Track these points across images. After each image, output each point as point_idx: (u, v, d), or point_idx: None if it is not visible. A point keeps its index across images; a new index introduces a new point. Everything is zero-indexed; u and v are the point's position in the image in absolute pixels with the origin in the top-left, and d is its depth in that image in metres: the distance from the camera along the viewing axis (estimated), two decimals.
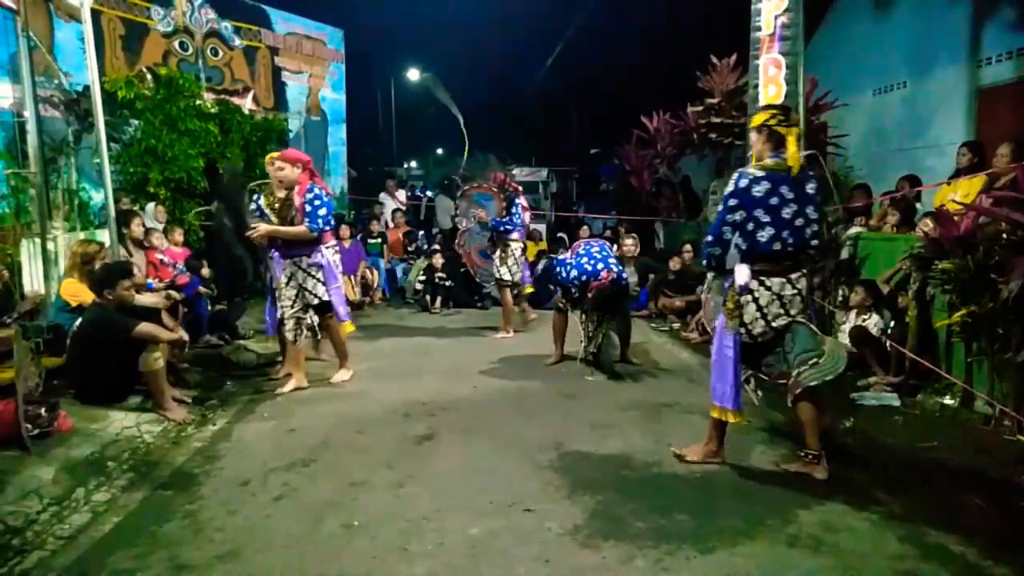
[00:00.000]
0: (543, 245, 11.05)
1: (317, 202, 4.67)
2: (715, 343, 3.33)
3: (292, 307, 4.82)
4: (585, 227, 11.05)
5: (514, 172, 18.27)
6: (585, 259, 5.27)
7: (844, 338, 5.31)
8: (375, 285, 9.24)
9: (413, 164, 27.57)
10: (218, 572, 2.54)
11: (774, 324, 3.22)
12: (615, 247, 6.67)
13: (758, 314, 3.20)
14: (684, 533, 2.77)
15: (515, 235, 6.73)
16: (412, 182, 22.59)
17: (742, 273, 3.12)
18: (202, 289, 6.42)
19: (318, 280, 4.80)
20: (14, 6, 4.63)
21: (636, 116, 10.27)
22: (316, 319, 4.97)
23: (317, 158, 11.26)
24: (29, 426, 3.41)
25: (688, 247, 8.26)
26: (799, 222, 3.14)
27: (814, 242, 3.22)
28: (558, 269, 5.53)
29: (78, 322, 4.17)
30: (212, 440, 3.94)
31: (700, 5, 13.21)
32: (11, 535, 2.76)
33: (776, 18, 5.82)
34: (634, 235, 8.56)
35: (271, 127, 8.88)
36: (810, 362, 3.17)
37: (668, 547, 2.66)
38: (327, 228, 4.71)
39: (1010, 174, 4.81)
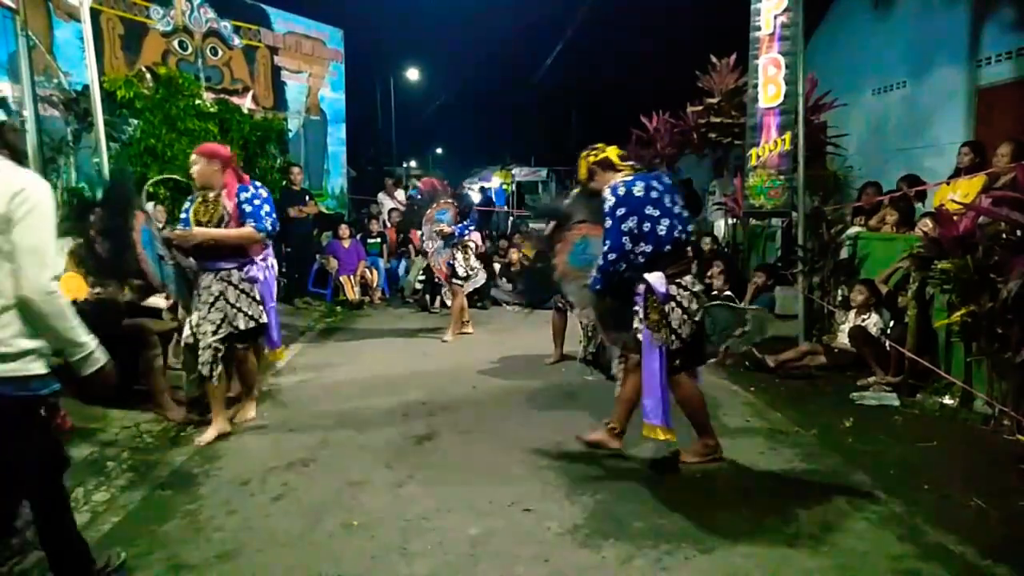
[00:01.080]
0: None
1: (257, 200, 3.86)
2: (643, 359, 3.19)
3: (215, 333, 3.84)
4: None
5: (515, 172, 18.36)
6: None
7: (843, 338, 5.32)
8: (374, 285, 9.25)
9: (412, 163, 27.57)
10: (217, 572, 2.54)
11: (696, 319, 3.20)
12: None
13: (685, 316, 3.14)
14: (683, 532, 2.77)
15: (475, 235, 6.79)
16: (411, 182, 22.59)
17: (658, 281, 3.02)
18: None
19: (253, 299, 3.93)
20: (13, 5, 4.63)
21: (635, 115, 10.26)
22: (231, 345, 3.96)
23: (317, 158, 11.26)
24: None
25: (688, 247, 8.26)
26: (677, 210, 3.18)
27: (691, 227, 3.31)
28: None
29: None
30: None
31: (700, 5, 13.21)
32: (11, 535, 2.75)
33: (776, 17, 5.82)
34: None
35: (270, 127, 8.87)
36: (736, 333, 3.24)
37: (667, 546, 2.66)
38: (275, 229, 3.94)
39: (1010, 174, 4.81)
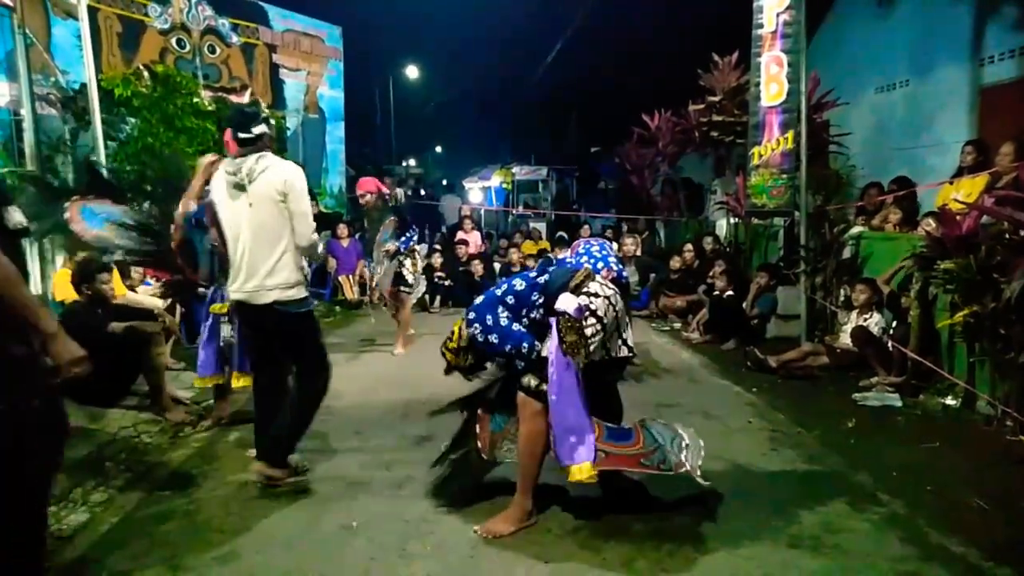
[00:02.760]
0: (544, 244, 11.05)
1: None
2: (555, 393, 2.70)
3: None
4: (586, 226, 11.04)
5: (515, 171, 18.33)
6: (585, 258, 5.24)
7: (846, 338, 5.30)
8: (373, 284, 9.21)
9: (412, 162, 27.52)
10: (216, 573, 2.52)
11: (607, 327, 2.75)
12: (615, 246, 6.65)
13: (598, 326, 2.69)
14: (685, 534, 2.76)
15: (421, 246, 6.65)
16: (410, 179, 22.57)
17: (568, 302, 2.65)
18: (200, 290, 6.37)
19: None
20: (10, 3, 4.61)
21: (637, 114, 10.24)
22: None
23: (315, 156, 11.23)
24: None
25: (689, 247, 8.24)
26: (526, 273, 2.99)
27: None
28: None
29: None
30: (210, 440, 3.91)
31: (702, 3, 13.17)
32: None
33: (778, 15, 5.79)
34: (635, 235, 8.54)
35: None
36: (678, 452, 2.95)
37: (669, 548, 2.64)
38: None
39: (1013, 173, 4.79)
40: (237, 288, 3.19)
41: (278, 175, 3.08)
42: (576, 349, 2.63)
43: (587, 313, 2.69)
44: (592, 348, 2.70)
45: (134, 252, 4.06)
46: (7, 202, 1.91)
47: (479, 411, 3.16)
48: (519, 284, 2.88)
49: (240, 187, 3.11)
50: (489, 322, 2.80)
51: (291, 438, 3.23)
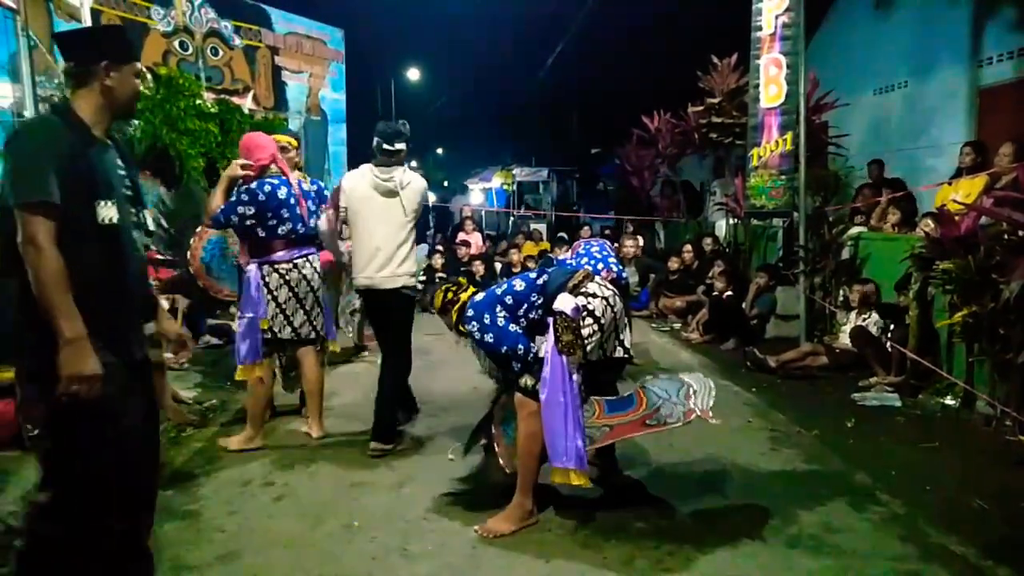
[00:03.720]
0: (544, 245, 11.07)
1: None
2: (546, 392, 2.70)
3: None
4: (586, 227, 11.06)
5: (515, 172, 18.34)
6: (585, 259, 5.25)
7: (845, 339, 5.31)
8: None
9: (413, 164, 27.55)
10: (218, 572, 2.54)
11: (605, 328, 2.81)
12: (615, 247, 6.66)
13: (595, 327, 2.76)
14: (685, 533, 2.77)
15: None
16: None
17: (565, 303, 2.70)
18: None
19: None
20: (14, 5, 4.62)
21: (637, 116, 10.25)
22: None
23: (317, 158, 11.25)
24: (30, 426, 3.40)
25: (688, 247, 8.26)
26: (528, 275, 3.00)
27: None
28: None
29: None
30: (212, 441, 3.93)
31: (701, 5, 13.20)
32: (12, 535, 2.75)
33: (777, 17, 5.81)
34: (636, 236, 8.55)
35: (271, 127, 8.85)
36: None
37: (669, 547, 2.66)
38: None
39: (1011, 174, 4.80)
40: (370, 274, 3.73)
41: (420, 185, 3.82)
42: (571, 348, 2.66)
43: (584, 313, 2.72)
44: (589, 348, 2.73)
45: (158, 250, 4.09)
46: (97, 196, 1.90)
47: (493, 429, 3.16)
48: (519, 285, 2.90)
49: (393, 193, 3.70)
50: (486, 321, 2.82)
51: (394, 413, 3.82)
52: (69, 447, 1.90)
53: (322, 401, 4.03)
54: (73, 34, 2.09)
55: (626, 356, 2.94)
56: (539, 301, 2.84)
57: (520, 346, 2.79)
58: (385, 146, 3.68)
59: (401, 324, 3.88)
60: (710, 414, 2.77)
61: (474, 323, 2.84)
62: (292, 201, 3.72)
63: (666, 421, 2.80)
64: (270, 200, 3.63)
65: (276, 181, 3.69)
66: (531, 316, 2.85)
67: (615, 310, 2.83)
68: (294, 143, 4.08)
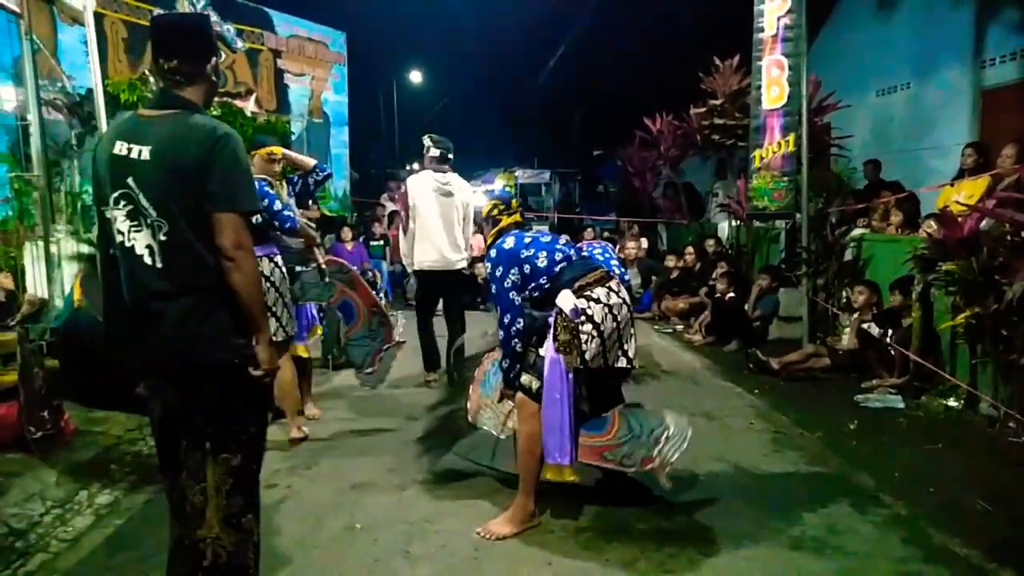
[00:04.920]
0: None
1: None
2: (544, 391, 2.72)
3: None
4: (589, 229, 11.06)
5: (517, 174, 18.34)
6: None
7: (847, 340, 5.30)
8: (377, 287, 9.25)
9: (415, 166, 27.57)
10: None
11: (607, 336, 2.79)
12: (617, 249, 6.65)
13: (594, 332, 2.75)
14: (687, 535, 2.77)
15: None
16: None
17: (566, 300, 2.72)
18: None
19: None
20: (17, 9, 4.64)
21: (639, 117, 10.26)
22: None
23: (319, 160, 11.27)
24: (32, 428, 3.41)
25: (690, 249, 8.26)
26: (558, 245, 2.95)
27: (574, 255, 2.99)
28: None
29: (62, 326, 4.18)
30: None
31: (703, 6, 13.20)
32: (15, 537, 2.76)
33: (779, 19, 5.81)
34: (640, 238, 8.55)
35: (273, 130, 8.88)
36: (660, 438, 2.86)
37: (671, 549, 2.65)
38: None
39: (1014, 175, 4.80)
40: (434, 259, 4.82)
41: (468, 187, 5.09)
42: (568, 348, 2.67)
43: (582, 317, 2.71)
44: (588, 355, 2.72)
45: None
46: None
47: (476, 371, 3.24)
48: (541, 259, 2.89)
49: (449, 193, 4.80)
50: (498, 274, 2.87)
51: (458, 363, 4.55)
52: (252, 438, 2.06)
53: (296, 403, 4.02)
54: (181, 31, 2.04)
55: (629, 366, 2.93)
56: (547, 285, 2.86)
57: (508, 316, 2.82)
58: (446, 155, 4.85)
59: (458, 296, 5.13)
60: (667, 470, 2.70)
61: (489, 265, 2.93)
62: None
63: (623, 462, 2.76)
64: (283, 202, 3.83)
65: None
66: (535, 295, 2.89)
67: (619, 319, 2.81)
68: (278, 151, 4.02)
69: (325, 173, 4.30)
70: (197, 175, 1.84)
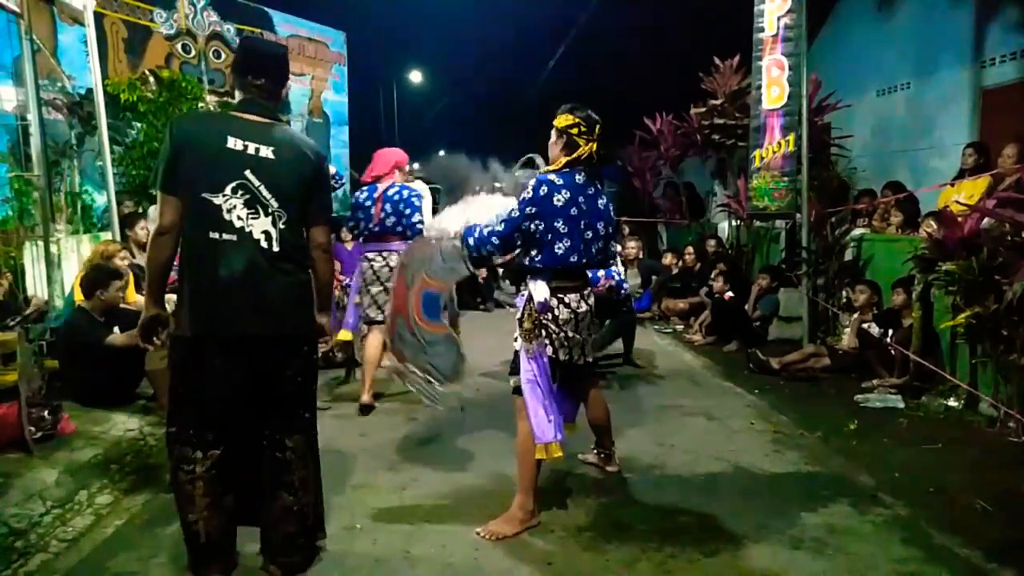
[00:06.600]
0: None
1: None
2: (520, 375, 2.81)
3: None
4: None
5: (518, 174, 18.34)
6: None
7: (848, 340, 5.30)
8: None
9: (416, 166, 27.57)
10: None
11: (567, 344, 2.87)
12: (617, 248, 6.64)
13: (556, 332, 2.83)
14: (688, 535, 2.77)
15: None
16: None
17: (539, 290, 2.76)
18: None
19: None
20: (17, 9, 4.64)
21: (639, 117, 10.25)
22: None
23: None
24: (32, 429, 3.41)
25: (690, 249, 8.25)
26: (589, 235, 2.86)
27: (598, 257, 2.97)
28: None
29: (61, 326, 4.18)
30: None
31: (703, 6, 13.19)
32: (14, 538, 2.76)
33: (779, 19, 5.81)
34: (637, 237, 8.54)
35: None
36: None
37: (672, 549, 2.65)
38: None
39: (1015, 175, 4.80)
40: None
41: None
42: (528, 337, 2.81)
43: (549, 315, 2.82)
44: (549, 349, 2.84)
45: None
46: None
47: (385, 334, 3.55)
48: (559, 246, 2.80)
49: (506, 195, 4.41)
50: (522, 211, 2.80)
51: None
52: (315, 401, 2.51)
53: (373, 370, 4.58)
54: (271, 56, 2.50)
55: (591, 361, 3.10)
56: (538, 260, 2.83)
57: (496, 231, 2.84)
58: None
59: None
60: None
61: (530, 190, 2.84)
62: (368, 204, 4.64)
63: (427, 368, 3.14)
64: (357, 203, 4.75)
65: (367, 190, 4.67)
66: (526, 257, 2.87)
67: (580, 327, 2.91)
68: None
69: (341, 183, 4.70)
70: (308, 185, 2.32)
